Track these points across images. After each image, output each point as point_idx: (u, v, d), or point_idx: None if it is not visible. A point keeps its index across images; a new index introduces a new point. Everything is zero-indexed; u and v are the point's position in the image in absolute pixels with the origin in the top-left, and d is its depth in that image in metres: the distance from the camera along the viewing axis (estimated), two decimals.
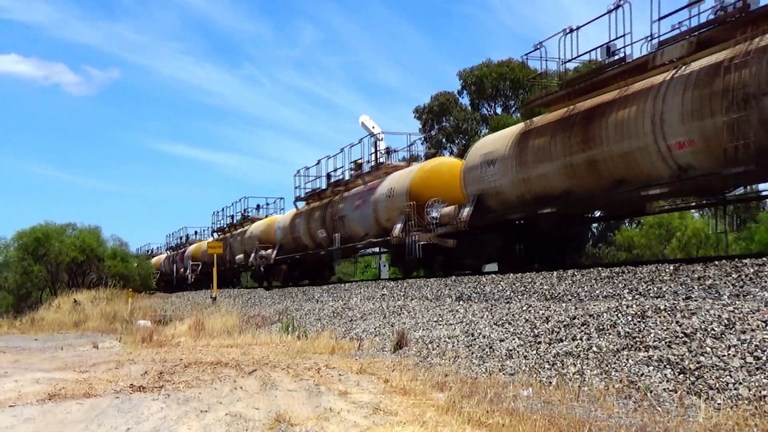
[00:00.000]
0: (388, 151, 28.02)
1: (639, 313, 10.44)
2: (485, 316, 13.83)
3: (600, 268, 13.97)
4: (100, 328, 29.86)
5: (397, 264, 27.42)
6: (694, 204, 21.05)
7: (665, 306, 10.23)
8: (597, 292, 12.66)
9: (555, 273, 14.80)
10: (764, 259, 11.01)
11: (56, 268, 47.32)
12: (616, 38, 15.67)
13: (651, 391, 8.76)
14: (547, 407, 8.76)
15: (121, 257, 49.53)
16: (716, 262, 11.63)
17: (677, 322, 9.70)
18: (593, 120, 15.90)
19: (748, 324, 8.90)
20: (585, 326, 11.03)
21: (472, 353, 12.39)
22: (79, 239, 47.21)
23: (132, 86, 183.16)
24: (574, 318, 11.44)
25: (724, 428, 7.31)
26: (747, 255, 12.46)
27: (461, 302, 15.80)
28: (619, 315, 10.69)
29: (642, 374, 9.21)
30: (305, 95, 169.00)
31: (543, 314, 12.32)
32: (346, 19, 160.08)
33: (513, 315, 13.08)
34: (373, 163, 28.32)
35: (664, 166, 14.32)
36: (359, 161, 29.30)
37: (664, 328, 9.75)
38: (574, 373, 10.09)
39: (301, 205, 34.97)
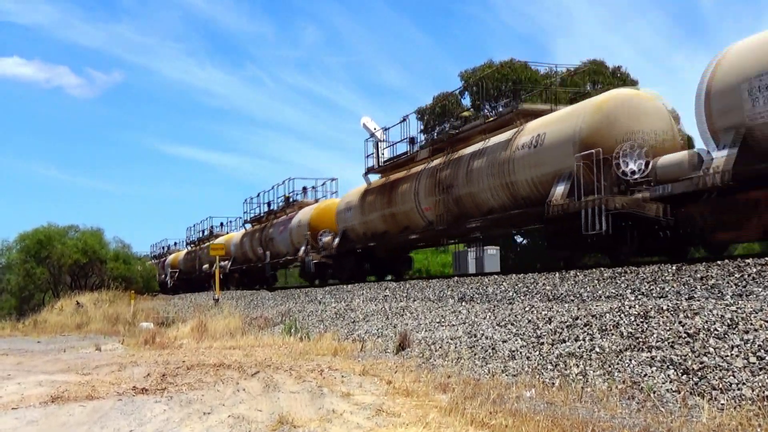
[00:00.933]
0: (305, 189, 36.74)
1: (642, 313, 10.43)
2: (488, 317, 13.83)
3: (602, 269, 13.95)
4: (102, 330, 29.88)
5: (302, 276, 36.30)
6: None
7: (668, 306, 10.22)
8: (599, 292, 12.65)
9: (557, 274, 14.78)
10: (767, 259, 11.00)
11: (59, 270, 47.42)
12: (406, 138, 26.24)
13: (654, 392, 8.75)
14: (550, 408, 8.76)
15: (124, 259, 49.64)
16: (719, 262, 11.62)
17: (680, 322, 9.69)
18: (394, 188, 25.79)
19: (751, 324, 8.89)
20: (588, 327, 11.02)
21: (475, 354, 12.38)
22: (81, 241, 47.33)
23: (134, 88, 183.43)
24: (577, 318, 11.43)
25: (728, 428, 7.30)
26: (749, 255, 12.44)
27: (464, 303, 15.79)
28: (622, 315, 10.68)
29: (645, 375, 9.20)
30: (307, 95, 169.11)
31: (546, 315, 12.31)
32: (349, 19, 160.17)
33: (516, 316, 13.07)
34: (293, 199, 36.55)
35: (421, 220, 23.84)
36: (288, 195, 37.48)
37: (667, 328, 9.74)
38: (577, 374, 10.08)
39: (249, 226, 44.32)
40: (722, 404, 7.99)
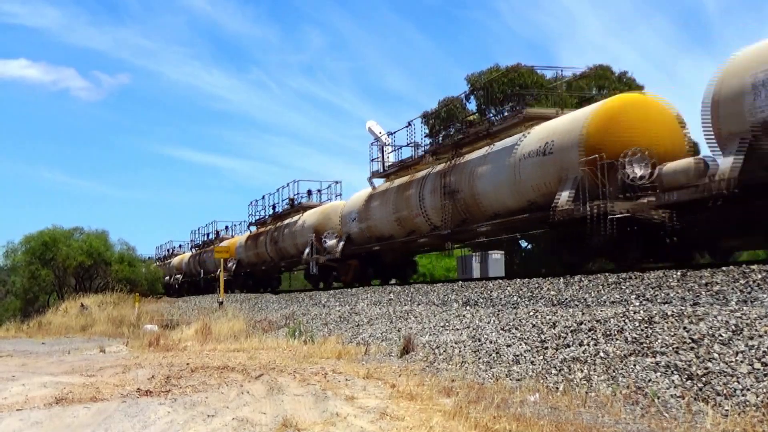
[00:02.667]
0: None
1: (646, 318, 10.42)
2: (492, 321, 13.82)
3: (607, 274, 13.94)
4: (107, 332, 29.95)
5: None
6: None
7: (673, 312, 10.20)
8: (604, 297, 12.64)
9: (562, 279, 14.77)
10: None
11: (63, 273, 47.49)
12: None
13: (658, 397, 8.74)
14: (554, 413, 8.75)
15: (128, 261, 49.66)
16: (724, 268, 11.60)
17: (685, 327, 9.68)
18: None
19: (756, 330, 8.88)
20: (592, 332, 11.01)
21: (479, 358, 12.37)
22: (86, 243, 47.40)
23: (140, 91, 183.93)
24: (581, 323, 11.42)
25: None
26: (755, 261, 12.42)
27: (468, 307, 15.79)
28: (627, 320, 10.67)
29: (649, 380, 9.19)
30: (312, 100, 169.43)
31: (550, 319, 12.30)
32: (353, 24, 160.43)
33: (520, 320, 13.06)
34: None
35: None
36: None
37: (672, 333, 9.73)
38: (581, 379, 10.07)
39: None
40: (726, 410, 7.98)
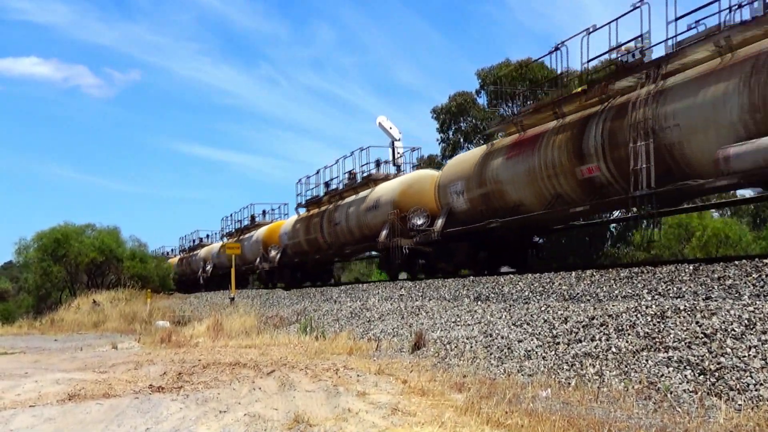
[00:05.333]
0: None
1: (658, 313, 10.38)
2: (503, 316, 13.80)
3: (619, 268, 13.90)
4: (119, 328, 30.08)
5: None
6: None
7: (685, 306, 10.16)
8: (616, 292, 12.60)
9: (573, 273, 14.74)
10: None
11: (75, 269, 47.61)
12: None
13: (671, 392, 8.71)
14: (566, 408, 8.73)
15: (140, 258, 49.71)
16: (736, 262, 11.54)
17: (697, 322, 9.64)
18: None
19: None
20: (604, 327, 10.98)
21: (491, 354, 12.36)
22: (98, 240, 47.47)
23: (151, 87, 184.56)
24: (593, 318, 11.39)
25: (745, 429, 7.26)
26: (767, 255, 12.36)
27: (479, 303, 15.77)
28: (639, 315, 10.64)
29: (662, 375, 9.16)
30: (322, 95, 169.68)
31: (561, 315, 12.27)
32: (363, 19, 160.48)
33: (531, 315, 13.04)
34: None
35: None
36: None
37: (684, 328, 9.69)
38: (593, 374, 10.04)
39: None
40: (739, 405, 7.95)
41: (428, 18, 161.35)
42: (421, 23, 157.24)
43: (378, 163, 29.91)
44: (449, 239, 22.45)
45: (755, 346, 8.61)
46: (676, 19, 14.04)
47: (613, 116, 15.40)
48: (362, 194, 29.22)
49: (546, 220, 19.62)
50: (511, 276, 17.06)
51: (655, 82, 14.34)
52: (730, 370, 8.51)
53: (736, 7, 13.06)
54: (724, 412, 7.77)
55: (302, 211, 36.32)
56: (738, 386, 8.23)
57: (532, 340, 12.07)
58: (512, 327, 13.01)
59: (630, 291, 12.31)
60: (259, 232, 40.62)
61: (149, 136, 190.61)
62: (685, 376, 8.90)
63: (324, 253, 33.63)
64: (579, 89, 17.41)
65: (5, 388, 11.44)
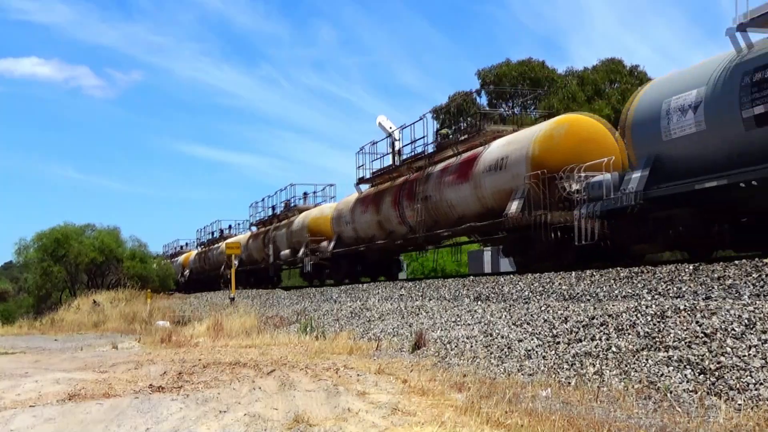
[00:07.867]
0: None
1: (658, 313, 10.39)
2: (504, 316, 13.80)
3: (619, 268, 13.90)
4: (119, 328, 30.09)
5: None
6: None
7: (685, 306, 10.17)
8: (616, 292, 12.60)
9: (573, 273, 14.74)
10: None
11: (75, 269, 47.61)
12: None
13: (671, 392, 8.71)
14: (566, 408, 8.73)
15: (140, 258, 49.72)
16: (736, 262, 11.54)
17: (697, 322, 9.64)
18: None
19: None
20: (604, 326, 10.98)
21: (491, 353, 12.36)
22: (98, 240, 47.49)
23: (153, 88, 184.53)
24: (593, 318, 11.39)
25: (745, 429, 7.26)
26: (767, 255, 12.36)
27: (479, 302, 15.77)
28: (639, 315, 10.64)
29: (662, 375, 9.16)
30: (323, 95, 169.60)
31: (562, 314, 12.28)
32: (364, 19, 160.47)
33: (531, 315, 13.05)
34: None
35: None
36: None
37: (684, 328, 9.69)
38: (593, 374, 10.05)
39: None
40: (739, 404, 7.94)
41: (430, 18, 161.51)
42: (422, 24, 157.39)
43: (305, 195, 37.34)
44: (337, 258, 31.09)
45: (755, 346, 8.61)
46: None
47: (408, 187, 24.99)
48: (291, 219, 32.26)
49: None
50: (511, 276, 17.06)
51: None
52: (730, 370, 8.51)
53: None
54: (724, 412, 7.76)
55: (254, 229, 40.51)
56: (738, 386, 8.23)
57: (532, 339, 12.07)
58: (512, 327, 13.02)
59: (630, 291, 12.31)
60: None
61: (150, 137, 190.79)
62: (685, 375, 8.90)
63: (268, 263, 37.80)
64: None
65: (5, 388, 11.44)
